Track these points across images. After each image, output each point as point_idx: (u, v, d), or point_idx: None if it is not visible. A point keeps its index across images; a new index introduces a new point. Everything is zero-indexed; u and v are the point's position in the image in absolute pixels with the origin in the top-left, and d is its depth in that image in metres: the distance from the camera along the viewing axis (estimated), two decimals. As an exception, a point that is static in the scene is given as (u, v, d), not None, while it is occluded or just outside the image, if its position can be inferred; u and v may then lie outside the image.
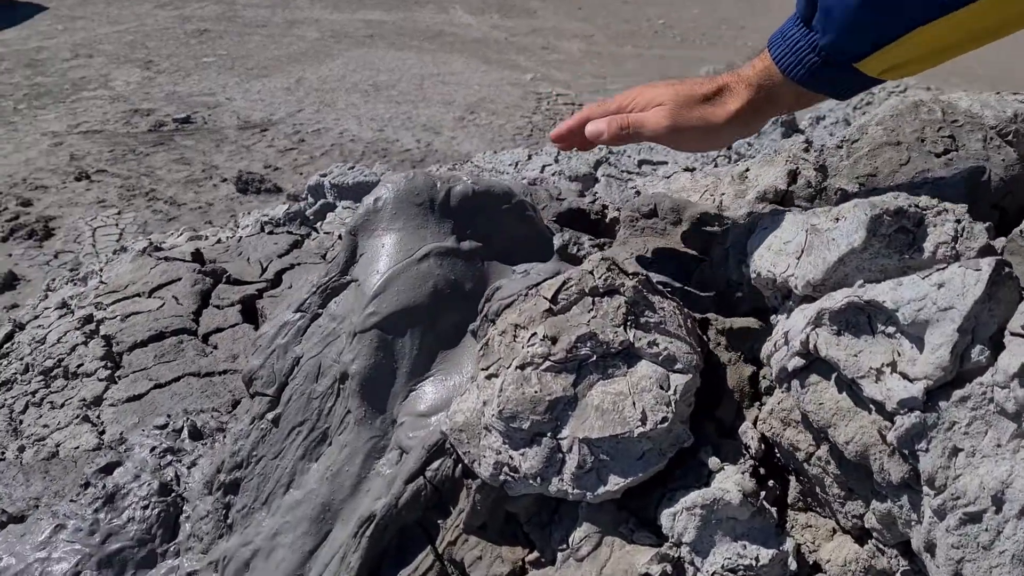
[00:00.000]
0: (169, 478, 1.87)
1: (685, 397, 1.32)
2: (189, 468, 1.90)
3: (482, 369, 1.31)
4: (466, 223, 1.62)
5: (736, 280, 1.47)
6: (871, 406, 1.11)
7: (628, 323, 1.33)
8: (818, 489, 1.27)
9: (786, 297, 1.33)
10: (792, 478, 1.36)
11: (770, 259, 1.30)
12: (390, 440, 1.56)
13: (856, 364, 1.11)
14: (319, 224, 4.15)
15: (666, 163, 5.01)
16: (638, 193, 1.84)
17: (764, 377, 1.42)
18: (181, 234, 4.52)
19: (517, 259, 1.67)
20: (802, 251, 1.25)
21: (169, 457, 1.91)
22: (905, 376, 1.06)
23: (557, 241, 1.63)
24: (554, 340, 1.29)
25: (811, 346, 1.16)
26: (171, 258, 3.75)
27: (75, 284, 4.03)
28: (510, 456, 1.25)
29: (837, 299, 1.15)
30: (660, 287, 1.40)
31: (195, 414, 2.07)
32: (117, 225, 7.46)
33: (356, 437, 1.55)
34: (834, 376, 1.17)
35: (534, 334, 1.30)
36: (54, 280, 4.29)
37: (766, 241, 1.34)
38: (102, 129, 9.22)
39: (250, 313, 3.37)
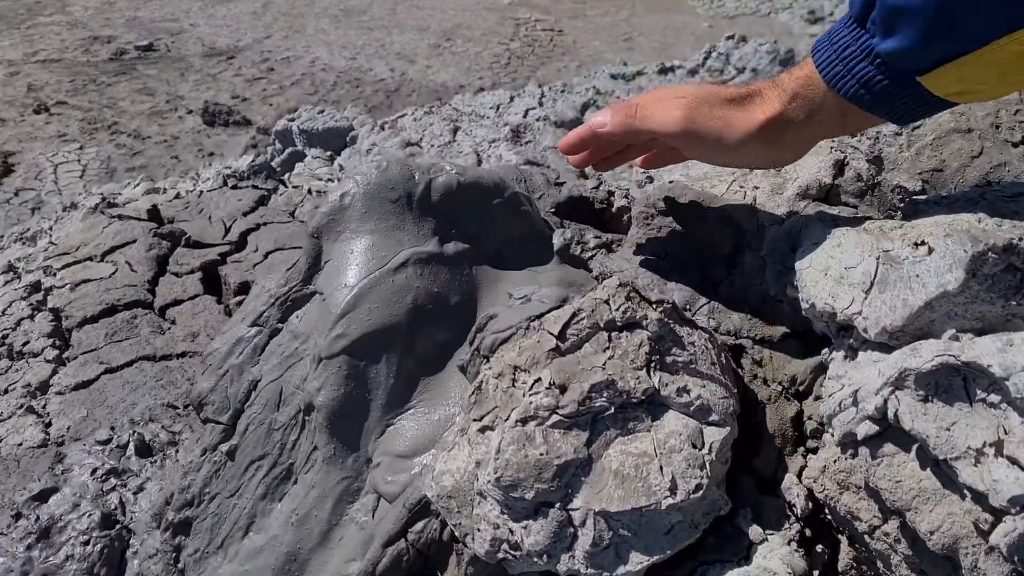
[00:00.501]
0: (113, 507, 1.63)
1: (722, 455, 1.09)
2: (136, 494, 1.66)
3: (474, 420, 1.07)
4: (451, 222, 1.36)
5: (775, 296, 1.23)
6: (966, 492, 0.88)
7: (652, 365, 1.08)
8: (880, 564, 1.06)
9: (843, 328, 1.09)
10: (842, 538, 1.15)
11: (828, 288, 1.06)
12: (365, 482, 1.32)
13: (949, 441, 0.88)
14: (287, 176, 3.85)
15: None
16: (650, 179, 1.57)
17: (810, 418, 1.19)
18: (138, 185, 4.22)
19: (511, 262, 1.41)
20: (871, 283, 1.01)
21: (113, 481, 1.67)
22: (1016, 463, 0.83)
23: (557, 240, 1.38)
24: (563, 389, 1.05)
25: (890, 414, 0.93)
26: (125, 216, 3.45)
27: (24, 244, 3.74)
28: (510, 530, 1.02)
29: (924, 356, 0.91)
30: (687, 315, 1.16)
31: (143, 424, 1.83)
32: (80, 161, 7.11)
33: (325, 477, 1.32)
34: (915, 448, 0.94)
35: (538, 380, 1.05)
36: (1, 239, 3.99)
37: (820, 260, 1.09)
38: (60, 58, 8.76)
39: (212, 282, 3.10)
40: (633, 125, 1.15)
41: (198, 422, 1.54)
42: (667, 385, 1.08)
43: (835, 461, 1.08)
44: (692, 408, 1.08)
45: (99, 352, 2.66)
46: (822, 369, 1.17)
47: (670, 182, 1.48)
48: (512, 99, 4.06)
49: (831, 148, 1.37)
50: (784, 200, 1.32)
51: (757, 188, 1.36)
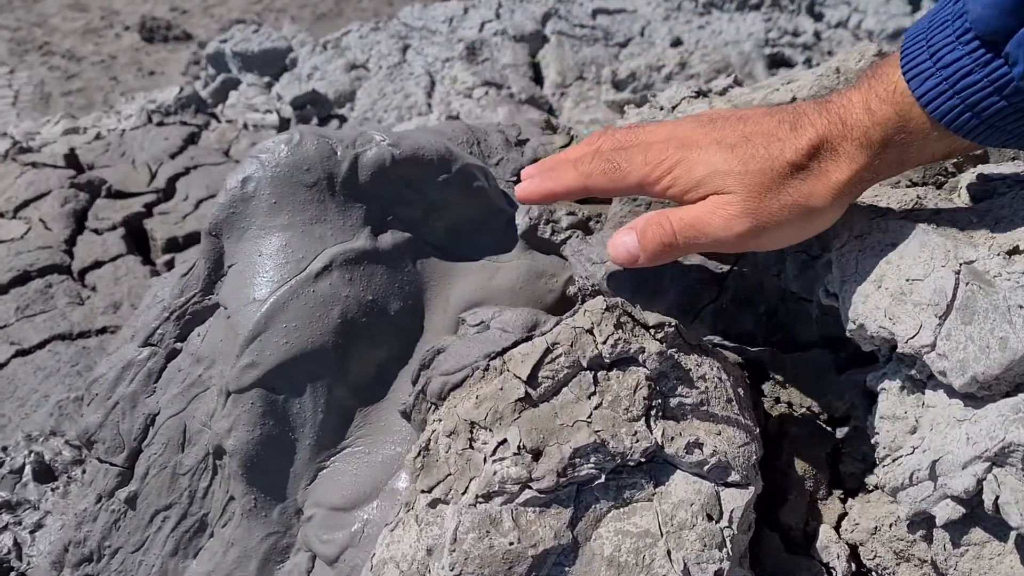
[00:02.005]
0: (6, 550, 1.36)
1: (744, 522, 0.84)
2: (34, 532, 1.39)
3: (422, 490, 0.81)
4: (385, 207, 1.07)
5: (798, 293, 0.97)
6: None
7: (653, 413, 0.82)
8: (948, 650, 0.82)
9: (895, 349, 0.83)
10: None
11: (883, 306, 0.79)
12: (295, 537, 1.07)
13: (1073, 542, 0.63)
14: (220, 108, 3.48)
15: (625, 10, 4.33)
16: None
17: (847, 454, 0.94)
18: (57, 122, 3.83)
19: (465, 251, 1.14)
20: (948, 307, 0.74)
21: (6, 517, 1.40)
22: None
23: (522, 220, 1.10)
24: (536, 453, 0.79)
25: (987, 501, 0.68)
26: (40, 164, 3.10)
27: (-70, 196, 3.37)
28: (474, 639, 0.77)
29: (1037, 425, 0.65)
30: (691, 339, 0.89)
31: (42, 440, 1.55)
32: (11, 86, 6.62)
33: (246, 533, 1.06)
34: (1014, 538, 0.69)
35: (503, 442, 0.79)
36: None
37: (868, 264, 0.82)
38: (-22, -26, 8.13)
39: (137, 238, 2.78)
40: (678, 250, 0.87)
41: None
42: (673, 439, 0.82)
43: (891, 525, 0.83)
44: (707, 467, 0.82)
45: (10, 329, 2.36)
46: (866, 396, 0.92)
47: (658, 142, 1.19)
48: (466, 11, 3.69)
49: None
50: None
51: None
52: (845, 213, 0.84)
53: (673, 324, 0.86)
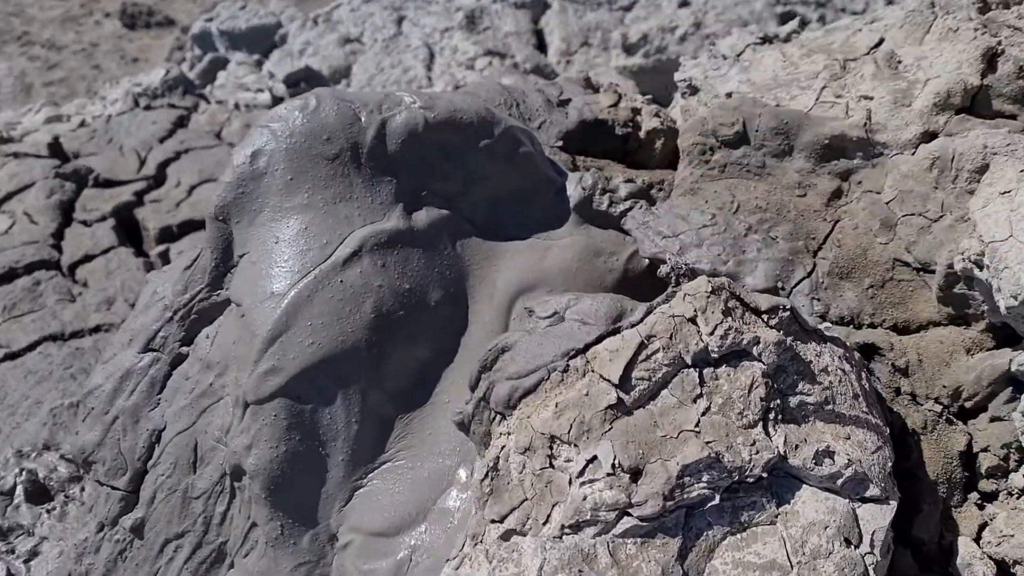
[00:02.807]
0: (-3, 585, 1.21)
1: (885, 545, 0.69)
2: (28, 561, 1.24)
3: (492, 520, 0.66)
4: (419, 179, 0.92)
5: (913, 264, 0.82)
6: None
7: (772, 417, 0.67)
8: None
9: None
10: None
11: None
12: (330, 567, 0.92)
13: None
14: (208, 89, 3.30)
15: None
16: (692, 89, 1.12)
17: (986, 449, 0.79)
18: (39, 111, 3.66)
19: (511, 228, 0.99)
20: None
21: (-4, 546, 1.25)
22: None
23: (574, 191, 0.96)
24: (635, 472, 0.64)
25: None
26: (22, 154, 2.93)
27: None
28: None
29: None
30: (806, 323, 0.74)
31: (34, 456, 1.39)
32: (-10, 78, 6.43)
33: (273, 565, 0.91)
34: None
35: (593, 459, 0.64)
36: None
37: (1024, 225, 0.67)
38: (-50, -35, 7.91)
39: (129, 228, 2.62)
40: None
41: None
42: (797, 448, 0.67)
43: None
44: (841, 481, 0.67)
45: (-4, 331, 2.21)
46: (1008, 382, 0.77)
47: (728, 95, 1.04)
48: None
49: (976, 31, 0.93)
50: (914, 114, 0.89)
51: (869, 99, 0.92)
52: (982, 166, 0.69)
53: (788, 307, 0.71)
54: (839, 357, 0.72)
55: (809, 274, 0.90)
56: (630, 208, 1.00)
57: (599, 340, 0.70)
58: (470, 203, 0.98)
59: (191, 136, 3.01)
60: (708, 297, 0.68)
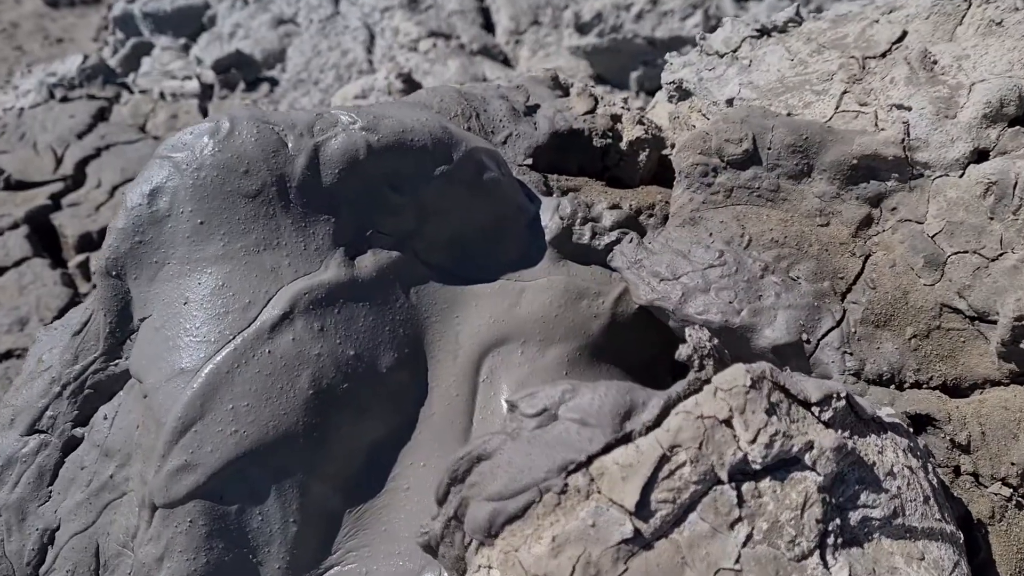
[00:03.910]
0: None
1: None
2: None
3: None
4: (363, 216, 0.75)
5: (962, 309, 0.67)
6: None
7: (832, 541, 0.52)
8: None
9: None
10: None
11: None
12: None
13: None
14: (131, 78, 3.06)
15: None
16: (681, 93, 0.95)
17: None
18: (-56, 104, 3.38)
19: (475, 269, 0.82)
20: None
21: None
22: None
23: (551, 221, 0.79)
24: (660, 631, 0.47)
25: None
26: (-79, 155, 2.69)
27: None
28: None
29: None
30: (862, 410, 0.58)
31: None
32: (-101, 64, 6.05)
33: None
34: None
35: (604, 614, 0.47)
36: None
37: None
38: None
39: (44, 236, 2.40)
40: None
41: None
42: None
43: None
44: (919, 621, 0.52)
45: None
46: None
47: (729, 102, 0.87)
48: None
49: None
50: (960, 128, 0.74)
51: (904, 108, 0.76)
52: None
53: (843, 395, 0.56)
54: (904, 451, 0.57)
55: (839, 323, 0.74)
56: (617, 240, 0.84)
57: (606, 450, 0.54)
58: (426, 242, 0.81)
59: (113, 130, 2.77)
60: (747, 393, 0.52)
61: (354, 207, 0.77)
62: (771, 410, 0.53)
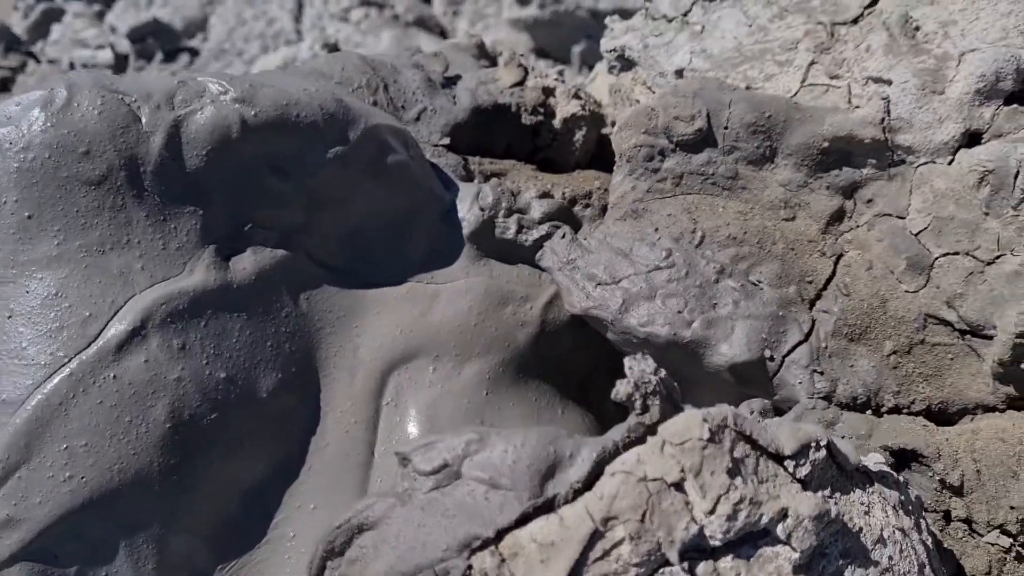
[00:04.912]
0: None
1: None
2: None
3: None
4: (238, 207, 0.61)
5: (952, 321, 0.56)
6: None
7: None
8: None
9: None
10: None
11: None
12: None
13: None
14: (40, 46, 2.84)
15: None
16: (625, 62, 0.82)
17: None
18: None
19: (379, 269, 0.68)
20: None
21: None
22: None
23: (468, 213, 0.66)
24: None
25: None
26: None
27: None
28: None
29: None
30: (845, 460, 0.47)
31: None
32: None
33: None
34: None
35: None
36: None
37: None
38: None
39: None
40: None
41: None
42: None
43: None
44: None
45: None
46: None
47: (679, 73, 0.75)
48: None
49: None
50: (950, 105, 0.62)
51: (883, 82, 0.65)
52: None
53: (823, 443, 0.44)
54: (894, 508, 0.46)
55: (807, 336, 0.63)
56: (547, 235, 0.71)
57: (522, 521, 0.41)
58: (318, 237, 0.68)
59: (14, 104, 2.56)
60: (704, 448, 0.40)
61: (227, 196, 0.64)
62: (735, 469, 0.41)
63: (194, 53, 2.81)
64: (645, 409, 0.44)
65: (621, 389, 0.44)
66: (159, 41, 2.82)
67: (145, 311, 0.59)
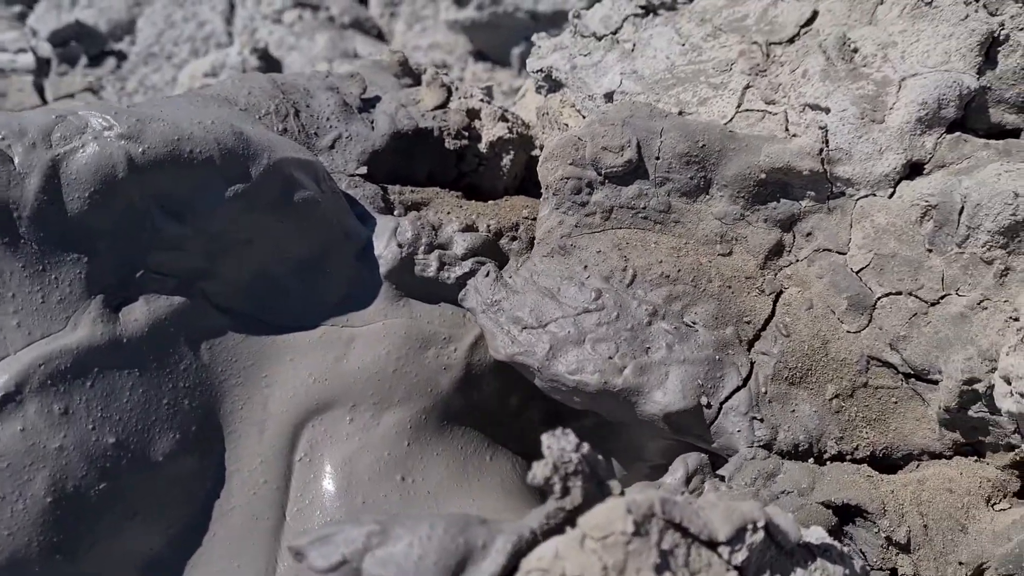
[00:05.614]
0: None
1: None
2: None
3: None
4: (128, 253, 0.55)
5: (896, 364, 0.53)
6: None
7: None
8: None
9: None
10: None
11: None
12: None
13: None
14: (-46, 50, 2.71)
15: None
16: (552, 83, 0.78)
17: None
18: None
19: (289, 313, 0.63)
20: None
21: None
22: None
23: (386, 250, 0.61)
24: None
25: None
26: None
27: None
28: None
29: None
30: (784, 537, 0.43)
31: None
32: None
33: None
34: None
35: None
36: None
37: None
38: None
39: None
40: None
41: None
42: None
43: None
44: None
45: None
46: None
47: (608, 96, 0.71)
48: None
49: (965, 6, 0.63)
50: (890, 134, 0.59)
51: (821, 110, 0.61)
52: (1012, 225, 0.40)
53: (761, 523, 0.40)
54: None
55: (746, 381, 0.59)
56: (471, 272, 0.67)
57: (426, 630, 0.36)
58: (221, 283, 0.62)
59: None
60: (628, 543, 0.36)
61: (115, 242, 0.58)
62: (663, 564, 0.37)
63: (121, 57, 2.71)
64: (565, 492, 0.40)
65: (538, 472, 0.40)
66: (83, 45, 2.71)
67: (20, 374, 0.53)
